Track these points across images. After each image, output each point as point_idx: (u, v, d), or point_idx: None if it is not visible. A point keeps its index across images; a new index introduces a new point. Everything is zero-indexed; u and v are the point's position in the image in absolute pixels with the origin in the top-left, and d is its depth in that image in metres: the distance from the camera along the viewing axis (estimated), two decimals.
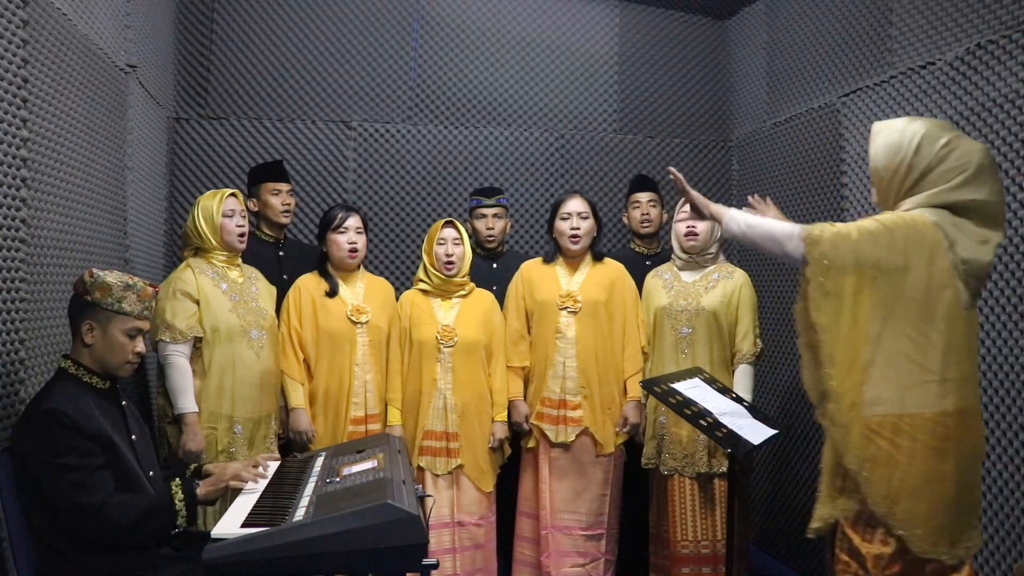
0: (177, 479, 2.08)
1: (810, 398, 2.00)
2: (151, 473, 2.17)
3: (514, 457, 3.42)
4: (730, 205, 4.64)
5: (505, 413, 3.30)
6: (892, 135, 2.01)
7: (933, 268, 1.89)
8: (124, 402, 2.19)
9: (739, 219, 2.13)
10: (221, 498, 2.26)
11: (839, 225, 1.96)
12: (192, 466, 2.40)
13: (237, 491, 2.25)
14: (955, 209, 1.94)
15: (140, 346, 2.14)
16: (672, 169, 2.38)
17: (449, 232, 3.24)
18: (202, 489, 2.10)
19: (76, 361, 2.09)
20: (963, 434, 1.92)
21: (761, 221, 2.10)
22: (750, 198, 2.46)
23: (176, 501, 2.02)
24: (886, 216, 1.96)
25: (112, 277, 2.10)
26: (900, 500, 1.89)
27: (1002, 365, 2.54)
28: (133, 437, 2.16)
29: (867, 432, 1.91)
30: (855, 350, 1.92)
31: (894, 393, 1.90)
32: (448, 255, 3.22)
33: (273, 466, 2.45)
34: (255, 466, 2.33)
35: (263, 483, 2.31)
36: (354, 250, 3.19)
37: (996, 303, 2.56)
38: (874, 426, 1.91)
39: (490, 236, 3.63)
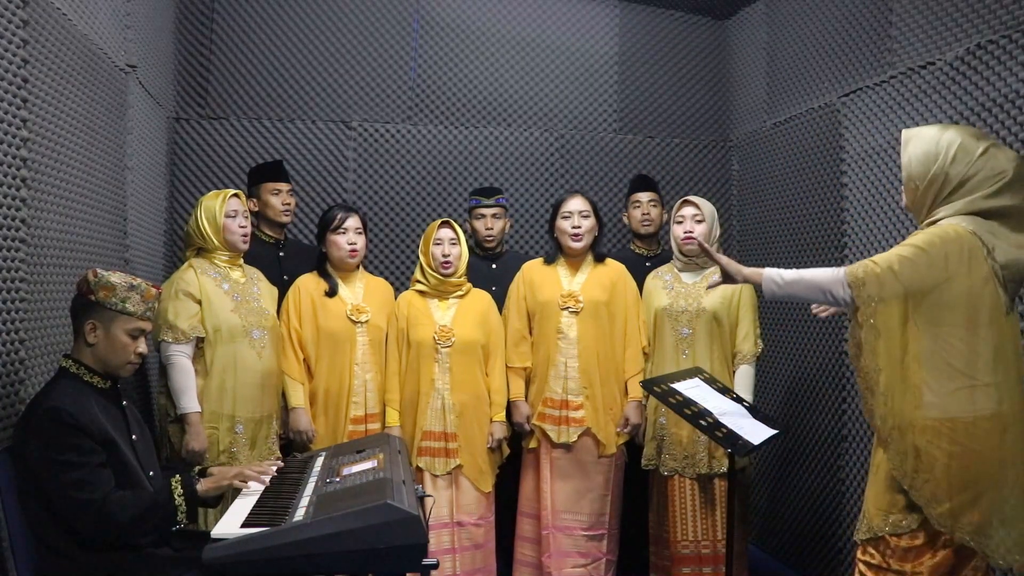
0: (177, 475, 2.08)
1: (872, 425, 2.01)
2: (151, 473, 2.18)
3: (513, 457, 3.42)
4: (730, 205, 4.66)
5: (503, 413, 3.30)
6: (927, 144, 2.02)
7: (973, 276, 1.92)
8: (125, 402, 2.20)
9: (777, 279, 2.12)
10: (221, 498, 2.26)
11: (878, 260, 1.97)
12: (196, 468, 2.40)
13: (238, 491, 2.25)
14: (990, 215, 1.96)
15: (142, 346, 2.14)
16: (703, 244, 2.43)
17: (445, 232, 3.24)
18: (203, 486, 2.10)
19: (77, 361, 2.10)
20: (1014, 436, 1.92)
21: (801, 275, 2.09)
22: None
23: (176, 496, 2.02)
24: (920, 237, 1.98)
25: (116, 277, 2.11)
26: (959, 514, 1.89)
27: None
28: (134, 437, 2.17)
29: (917, 439, 1.93)
30: (908, 374, 1.95)
31: (936, 400, 1.92)
32: (445, 255, 3.22)
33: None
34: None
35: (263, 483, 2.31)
36: (354, 250, 3.20)
37: None
38: (921, 431, 1.93)
39: (489, 236, 3.63)
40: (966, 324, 1.91)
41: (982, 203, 1.96)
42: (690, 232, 3.21)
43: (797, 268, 2.14)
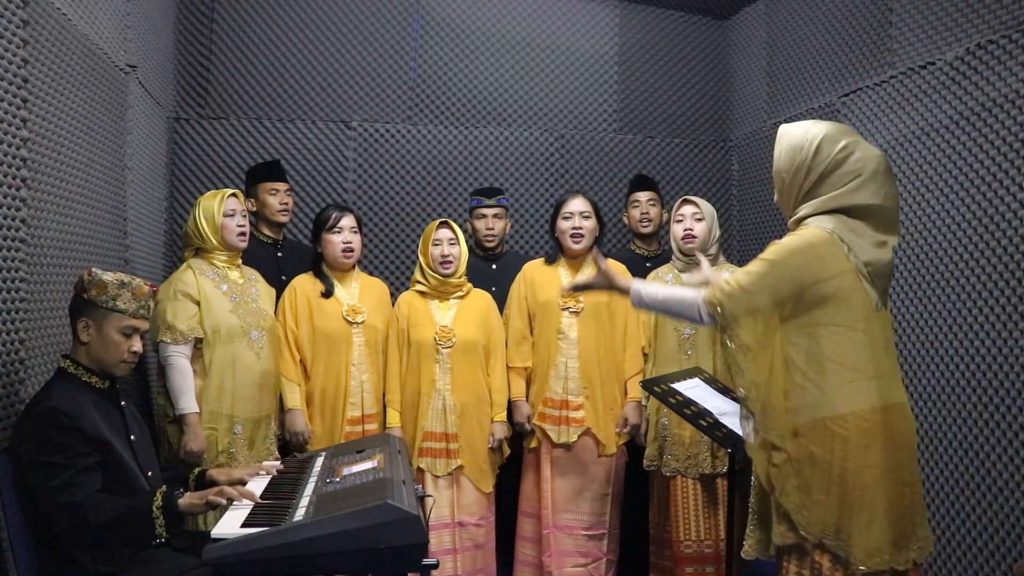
0: (162, 487, 2.04)
1: (751, 443, 2.03)
2: (150, 473, 2.17)
3: (514, 457, 3.42)
4: (730, 205, 4.67)
5: (504, 413, 3.30)
6: (795, 137, 2.06)
7: (839, 275, 1.94)
8: (123, 402, 2.19)
9: (642, 292, 2.15)
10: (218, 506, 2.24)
11: (730, 280, 2.00)
12: (196, 470, 2.39)
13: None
14: (851, 213, 1.98)
15: (136, 345, 2.13)
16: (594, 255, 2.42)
17: (444, 233, 3.24)
18: (185, 500, 2.03)
19: (75, 360, 2.09)
20: (891, 430, 1.94)
21: (666, 294, 2.14)
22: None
23: (154, 508, 1.95)
24: (771, 250, 2.00)
25: (109, 276, 2.10)
26: (831, 522, 1.90)
27: (1002, 365, 2.54)
28: (132, 437, 2.16)
29: (797, 442, 1.94)
30: (783, 384, 1.97)
31: (822, 397, 1.93)
32: (444, 256, 3.21)
33: (265, 478, 2.41)
34: (245, 482, 2.30)
35: (263, 483, 2.31)
36: (349, 250, 3.19)
37: (996, 303, 2.56)
38: (802, 433, 1.94)
39: (490, 236, 3.63)
40: (840, 320, 1.94)
41: (842, 199, 1.98)
42: (690, 231, 3.21)
43: None
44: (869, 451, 1.91)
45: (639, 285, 2.17)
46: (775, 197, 2.15)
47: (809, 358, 1.95)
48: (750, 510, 2.09)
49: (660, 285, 2.19)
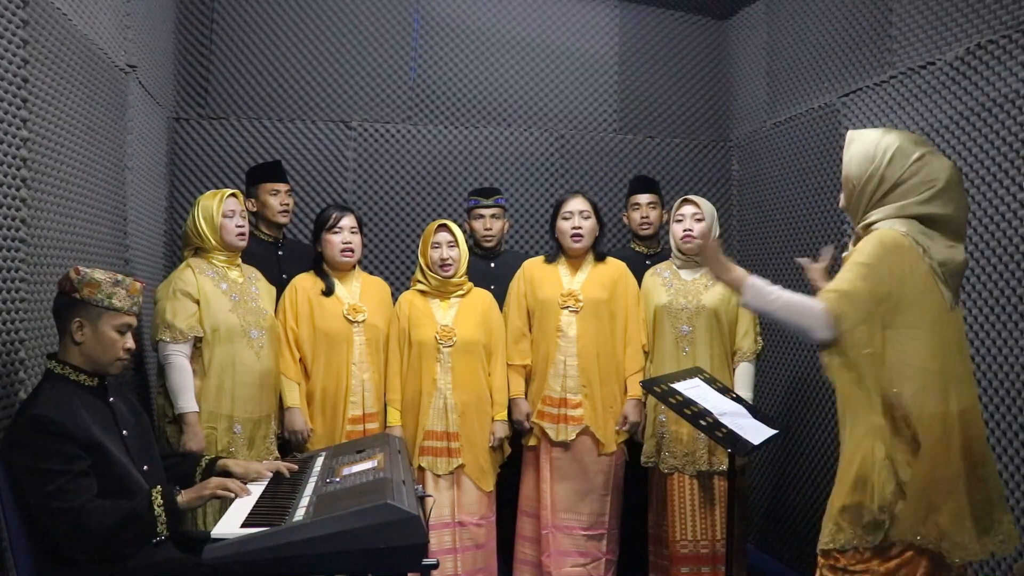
0: (158, 487, 2.04)
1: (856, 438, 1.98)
2: (145, 467, 2.14)
3: (515, 456, 3.42)
4: (730, 205, 4.67)
5: (505, 412, 3.30)
6: (866, 145, 2.04)
7: (916, 275, 1.94)
8: (112, 399, 2.16)
9: (759, 291, 2.06)
10: (221, 500, 2.24)
11: (839, 288, 1.95)
12: (205, 459, 2.39)
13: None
14: (922, 221, 1.98)
15: (130, 342, 2.12)
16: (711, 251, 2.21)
17: (443, 235, 3.24)
18: (183, 497, 2.05)
19: (63, 361, 2.07)
20: (967, 431, 1.93)
21: (786, 299, 2.03)
22: (800, 260, 2.41)
23: (156, 507, 1.97)
24: (863, 254, 1.98)
25: (100, 274, 2.09)
26: (920, 522, 1.89)
27: (1002, 365, 2.54)
28: (124, 432, 2.13)
29: (885, 444, 1.92)
30: (885, 381, 1.94)
31: (902, 401, 1.91)
32: (443, 259, 3.22)
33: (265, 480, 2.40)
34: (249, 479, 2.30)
35: (263, 484, 2.31)
36: (349, 249, 3.19)
37: (996, 303, 2.56)
38: (889, 434, 1.92)
39: (488, 236, 3.63)
40: (915, 323, 1.93)
41: (914, 208, 1.97)
42: (689, 231, 3.22)
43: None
44: (937, 454, 1.89)
45: (755, 281, 2.06)
46: (841, 202, 2.12)
47: (889, 362, 1.92)
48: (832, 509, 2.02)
49: (780, 289, 2.08)
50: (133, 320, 2.13)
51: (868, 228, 2.02)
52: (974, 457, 1.94)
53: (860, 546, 1.94)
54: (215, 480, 2.18)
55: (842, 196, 2.11)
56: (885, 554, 1.92)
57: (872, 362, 1.93)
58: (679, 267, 3.32)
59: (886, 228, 1.98)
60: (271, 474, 2.35)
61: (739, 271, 2.13)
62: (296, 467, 2.43)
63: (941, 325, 1.94)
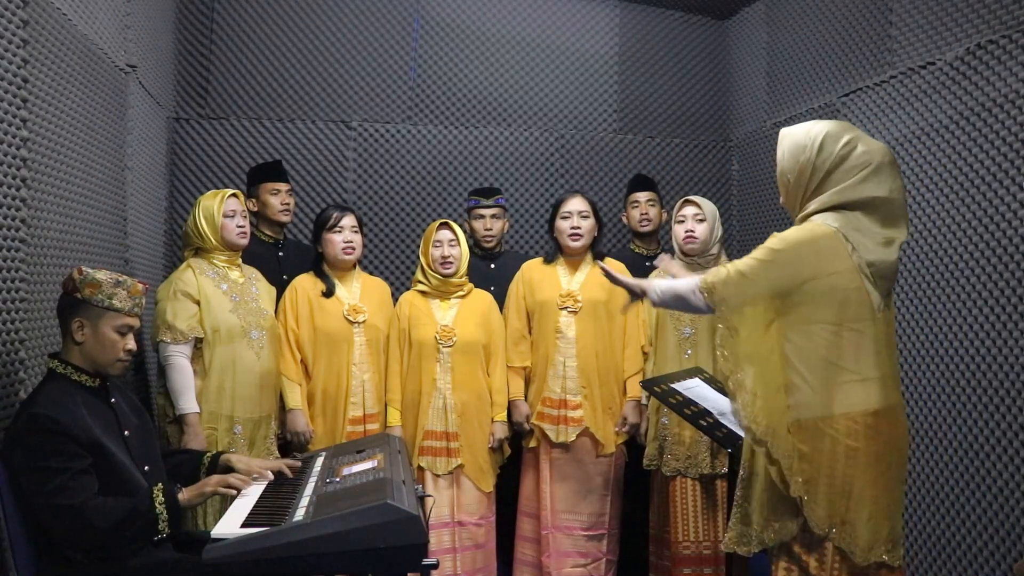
0: (160, 484, 2.05)
1: (743, 426, 2.01)
2: (146, 468, 2.15)
3: (514, 457, 3.42)
4: (730, 205, 4.67)
5: (505, 413, 3.30)
6: (796, 137, 2.06)
7: (840, 273, 1.93)
8: (113, 399, 2.17)
9: (655, 290, 2.14)
10: (222, 498, 2.25)
11: (730, 266, 2.00)
12: (208, 455, 2.39)
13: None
14: (856, 206, 1.97)
15: (131, 343, 2.12)
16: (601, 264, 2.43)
17: (444, 234, 3.24)
18: (184, 495, 2.05)
19: (64, 360, 2.07)
20: (890, 431, 1.94)
21: (670, 285, 2.13)
22: (660, 260, 2.54)
23: (157, 504, 1.97)
24: (774, 240, 1.99)
25: (102, 274, 2.09)
26: (838, 514, 1.90)
27: (1002, 365, 2.54)
28: (126, 433, 2.14)
29: (793, 441, 1.93)
30: (778, 373, 1.96)
31: (815, 397, 1.93)
32: (444, 257, 3.22)
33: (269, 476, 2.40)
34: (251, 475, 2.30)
35: (263, 484, 2.31)
36: (350, 249, 3.19)
37: (996, 303, 2.56)
38: (795, 431, 1.94)
39: (488, 236, 3.63)
40: (837, 320, 1.93)
41: (849, 193, 1.97)
42: (691, 232, 3.21)
43: None
44: (859, 453, 1.90)
45: (650, 284, 2.16)
46: (781, 199, 2.14)
47: (804, 356, 1.94)
48: (735, 503, 2.07)
49: (667, 280, 2.17)
50: (134, 322, 2.13)
51: (805, 220, 2.03)
52: (892, 457, 1.95)
53: (783, 541, 1.96)
54: (216, 477, 2.18)
55: (781, 194, 2.12)
56: (815, 548, 1.93)
57: (735, 342, 1.96)
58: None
59: (817, 221, 1.98)
60: (272, 475, 2.35)
61: (645, 281, 2.21)
62: (299, 465, 2.43)
63: (867, 323, 1.93)
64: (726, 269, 1.99)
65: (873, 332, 1.95)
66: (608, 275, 2.31)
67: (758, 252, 1.99)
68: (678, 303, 2.11)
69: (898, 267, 2.05)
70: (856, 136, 2.01)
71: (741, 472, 2.06)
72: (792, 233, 1.99)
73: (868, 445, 1.91)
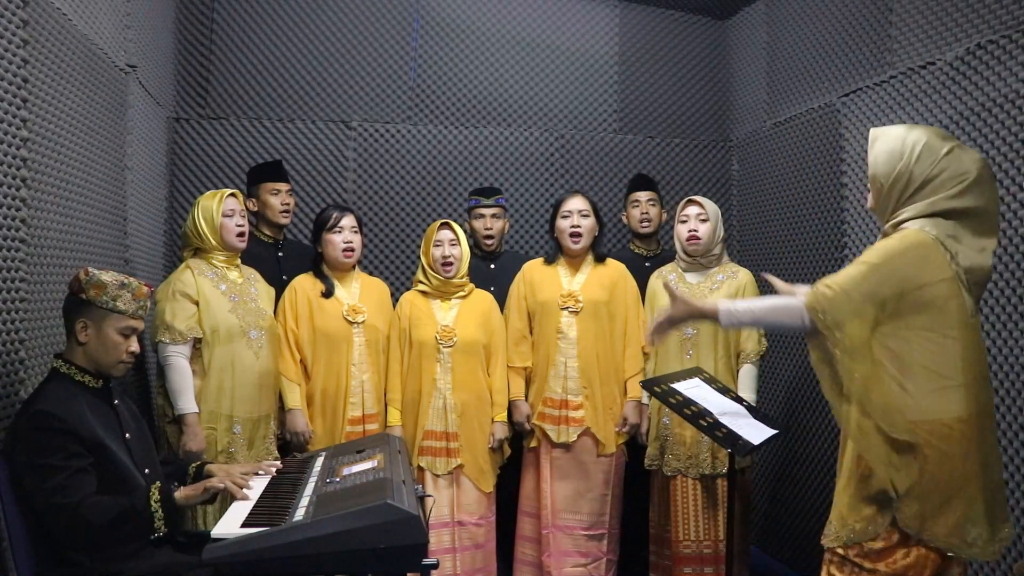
0: (157, 483, 2.05)
1: (846, 431, 1.98)
2: (147, 471, 2.15)
3: (515, 457, 3.42)
4: (730, 205, 4.66)
5: (505, 413, 3.30)
6: (892, 142, 2.01)
7: (940, 281, 1.91)
8: (116, 401, 2.17)
9: (733, 311, 2.05)
10: (222, 498, 2.25)
11: (831, 284, 1.94)
12: (194, 464, 2.39)
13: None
14: (952, 215, 1.95)
15: (134, 346, 2.12)
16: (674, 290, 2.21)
17: (445, 234, 3.24)
18: (181, 494, 2.06)
19: (68, 360, 2.08)
20: (983, 435, 1.93)
21: (748, 307, 2.05)
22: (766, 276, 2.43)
23: (152, 503, 1.98)
24: (874, 252, 1.96)
25: (107, 276, 2.09)
26: (929, 517, 1.89)
27: (1002, 366, 2.54)
28: (127, 435, 2.14)
29: (891, 443, 1.91)
30: (880, 378, 1.93)
31: (911, 402, 1.91)
32: (445, 257, 3.22)
33: (265, 478, 2.40)
34: (247, 473, 2.30)
35: (263, 483, 2.31)
36: (350, 249, 3.19)
37: (996, 303, 2.56)
38: (896, 435, 1.91)
39: (488, 236, 3.63)
40: (934, 327, 1.91)
41: (945, 203, 1.95)
42: (694, 232, 3.21)
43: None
44: (952, 457, 1.89)
45: (727, 305, 2.06)
46: (869, 202, 2.09)
47: (900, 363, 1.91)
48: (835, 499, 2.02)
49: (752, 299, 2.10)
50: (138, 324, 2.13)
51: (897, 227, 2.00)
52: (989, 460, 1.94)
53: (863, 540, 1.93)
54: (217, 476, 2.19)
55: (870, 196, 2.08)
56: (892, 552, 1.91)
57: (849, 360, 1.91)
58: (684, 270, 3.31)
59: (915, 229, 1.95)
60: (257, 473, 2.35)
61: (709, 302, 2.14)
62: (279, 464, 2.43)
63: (962, 331, 1.92)
64: (830, 289, 1.93)
65: (966, 338, 1.93)
66: (664, 320, 2.15)
67: (857, 267, 1.94)
68: (772, 320, 2.04)
69: (991, 273, 2.01)
70: (955, 146, 1.97)
71: (841, 465, 2.02)
72: (891, 244, 1.95)
73: (960, 448, 1.89)
